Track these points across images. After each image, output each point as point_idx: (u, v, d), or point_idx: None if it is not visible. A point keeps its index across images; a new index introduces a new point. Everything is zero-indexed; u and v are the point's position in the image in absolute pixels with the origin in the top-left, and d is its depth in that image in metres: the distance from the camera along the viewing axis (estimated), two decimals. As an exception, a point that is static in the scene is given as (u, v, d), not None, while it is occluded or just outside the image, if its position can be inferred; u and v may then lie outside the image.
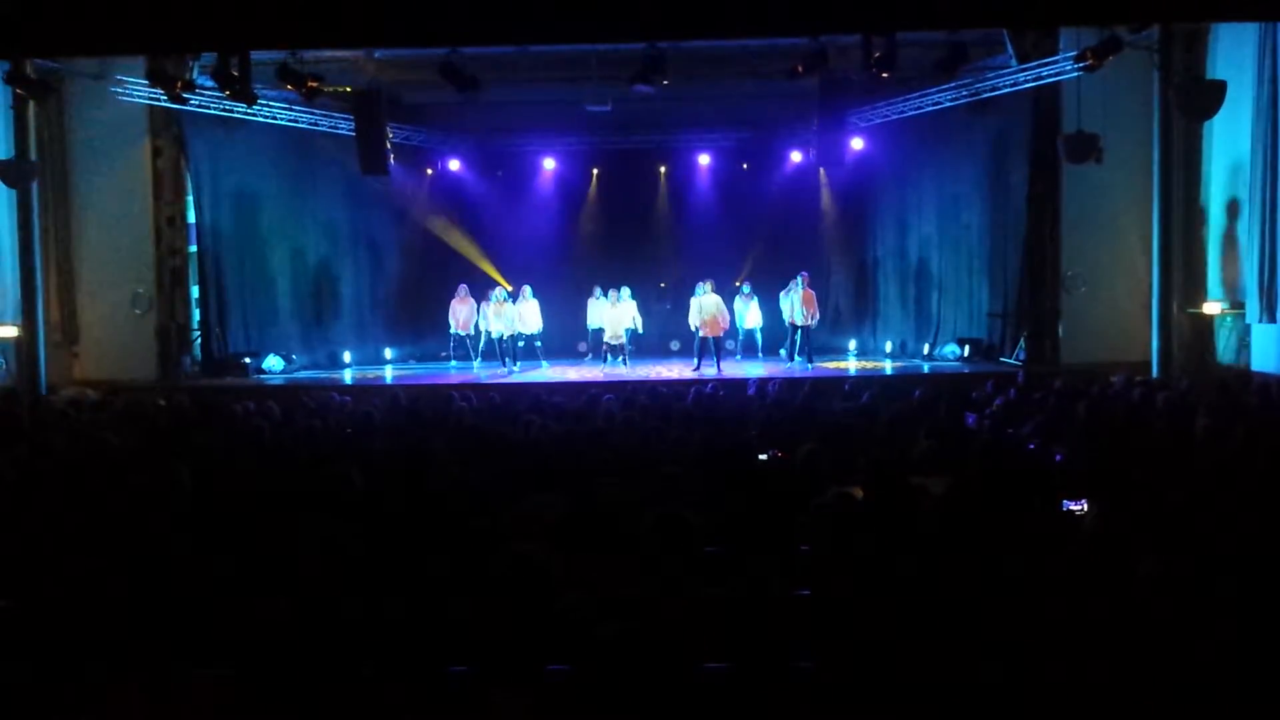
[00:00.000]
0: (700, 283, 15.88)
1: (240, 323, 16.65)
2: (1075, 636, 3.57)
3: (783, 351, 16.89)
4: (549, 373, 16.30)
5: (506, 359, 16.58)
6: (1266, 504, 4.98)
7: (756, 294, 17.42)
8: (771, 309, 17.11)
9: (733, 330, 16.92)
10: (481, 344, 16.95)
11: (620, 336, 16.31)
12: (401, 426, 9.03)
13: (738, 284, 18.17)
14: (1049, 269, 15.58)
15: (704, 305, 15.62)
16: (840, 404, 9.74)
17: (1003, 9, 7.91)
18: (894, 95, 16.02)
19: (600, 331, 16.83)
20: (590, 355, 17.51)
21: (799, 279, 16.19)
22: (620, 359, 16.40)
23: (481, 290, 17.31)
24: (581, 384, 13.24)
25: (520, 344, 16.53)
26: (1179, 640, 3.44)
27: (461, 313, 17.14)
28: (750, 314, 17.41)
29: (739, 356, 17.30)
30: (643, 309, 17.99)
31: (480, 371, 16.28)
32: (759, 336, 17.64)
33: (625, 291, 16.48)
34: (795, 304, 16.10)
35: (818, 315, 16.35)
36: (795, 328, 16.25)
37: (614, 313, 16.35)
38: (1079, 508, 5.11)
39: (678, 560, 4.23)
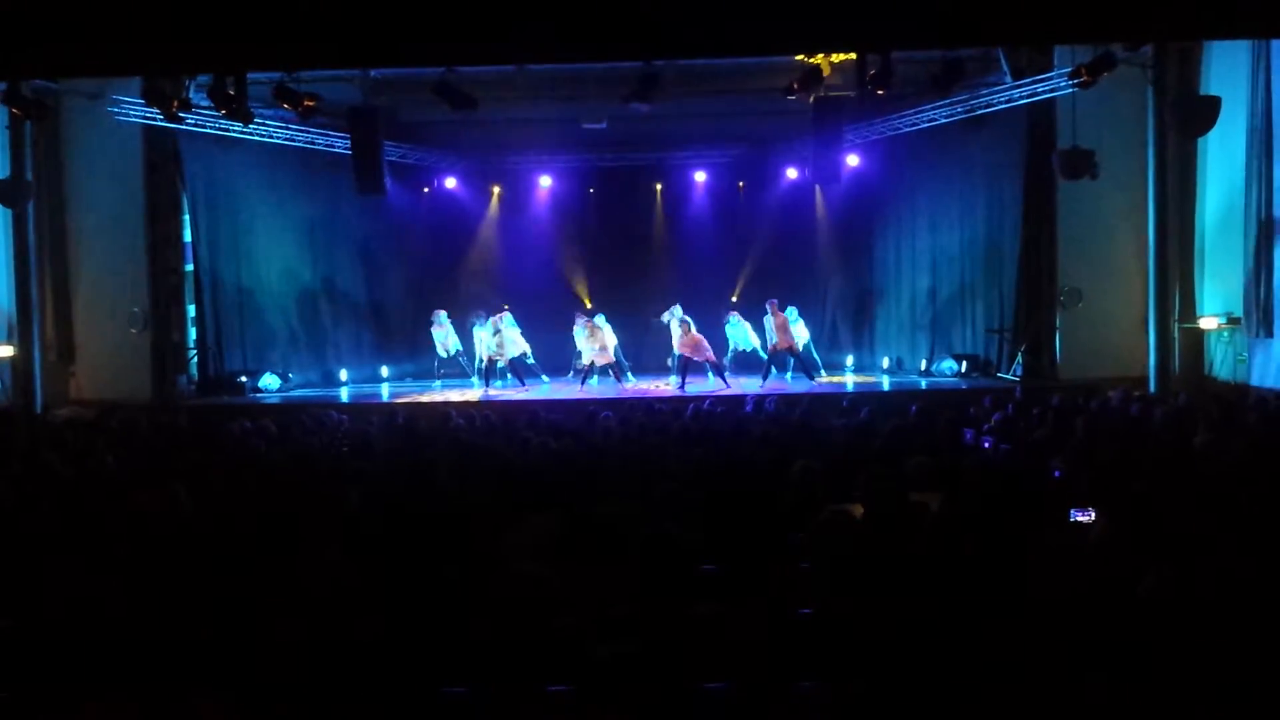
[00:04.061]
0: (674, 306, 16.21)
1: (236, 341, 16.63)
2: (1080, 651, 3.56)
3: (789, 375, 16.75)
4: (550, 388, 16.35)
5: (501, 378, 16.60)
6: (1267, 520, 4.98)
7: (747, 319, 17.23)
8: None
9: (724, 349, 16.82)
10: (477, 364, 16.89)
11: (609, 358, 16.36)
12: (399, 445, 9.01)
13: (734, 298, 18.21)
14: (1045, 284, 15.62)
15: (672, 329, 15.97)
16: (838, 420, 9.73)
17: (997, 28, 7.94)
18: (889, 112, 16.07)
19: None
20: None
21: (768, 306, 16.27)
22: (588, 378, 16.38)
23: (465, 312, 17.35)
24: (579, 401, 13.23)
25: (499, 364, 16.51)
26: (1182, 654, 3.44)
27: (441, 336, 17.19)
28: (748, 336, 17.17)
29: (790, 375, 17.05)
30: (640, 326, 17.99)
31: (485, 390, 16.18)
32: (762, 354, 17.35)
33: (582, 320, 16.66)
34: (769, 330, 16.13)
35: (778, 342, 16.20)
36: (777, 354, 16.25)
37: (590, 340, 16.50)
38: (1086, 518, 5.10)
39: (675, 579, 4.22)
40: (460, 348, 17.18)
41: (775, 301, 16.10)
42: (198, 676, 3.61)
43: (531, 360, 16.97)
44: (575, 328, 16.89)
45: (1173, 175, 14.52)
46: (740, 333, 16.79)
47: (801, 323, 16.70)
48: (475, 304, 17.59)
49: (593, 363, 16.23)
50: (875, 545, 4.68)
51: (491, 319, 16.44)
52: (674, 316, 15.96)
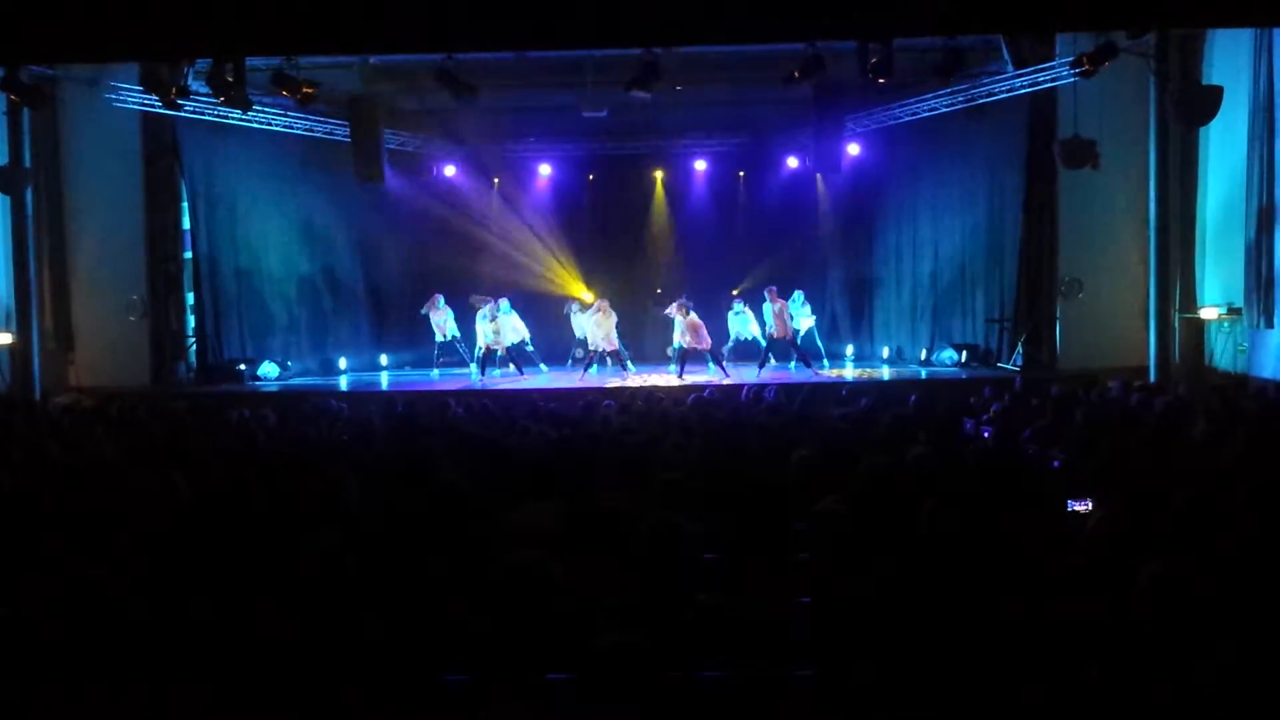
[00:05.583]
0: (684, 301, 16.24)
1: (235, 329, 16.61)
2: (1077, 639, 3.56)
3: (792, 365, 16.72)
4: (549, 376, 16.33)
5: (501, 366, 16.55)
6: (1267, 509, 4.97)
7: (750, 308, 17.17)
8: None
9: (723, 338, 16.77)
10: (477, 352, 16.82)
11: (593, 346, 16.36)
12: (398, 433, 9.00)
13: (735, 292, 18.20)
14: (1045, 274, 15.61)
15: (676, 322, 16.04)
16: (837, 410, 9.72)
17: (998, 15, 7.91)
18: (890, 101, 16.01)
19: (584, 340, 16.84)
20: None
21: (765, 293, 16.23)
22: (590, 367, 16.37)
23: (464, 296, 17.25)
24: (579, 390, 13.22)
25: (498, 353, 16.45)
26: (1179, 642, 3.43)
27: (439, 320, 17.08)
28: (750, 326, 17.12)
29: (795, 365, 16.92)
30: (640, 315, 17.98)
31: (480, 379, 16.12)
32: (763, 343, 17.21)
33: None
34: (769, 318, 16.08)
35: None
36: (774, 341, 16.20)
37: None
38: (1084, 507, 5.10)
39: (675, 567, 4.22)
40: (458, 334, 17.06)
41: (774, 289, 16.09)
42: (196, 665, 3.61)
43: (531, 348, 16.94)
44: (577, 312, 16.85)
45: (1174, 165, 14.47)
46: (743, 322, 16.76)
47: (807, 309, 16.65)
48: (473, 289, 17.50)
49: (598, 350, 16.15)
50: (875, 534, 4.68)
51: (487, 307, 16.37)
52: (675, 303, 15.99)
